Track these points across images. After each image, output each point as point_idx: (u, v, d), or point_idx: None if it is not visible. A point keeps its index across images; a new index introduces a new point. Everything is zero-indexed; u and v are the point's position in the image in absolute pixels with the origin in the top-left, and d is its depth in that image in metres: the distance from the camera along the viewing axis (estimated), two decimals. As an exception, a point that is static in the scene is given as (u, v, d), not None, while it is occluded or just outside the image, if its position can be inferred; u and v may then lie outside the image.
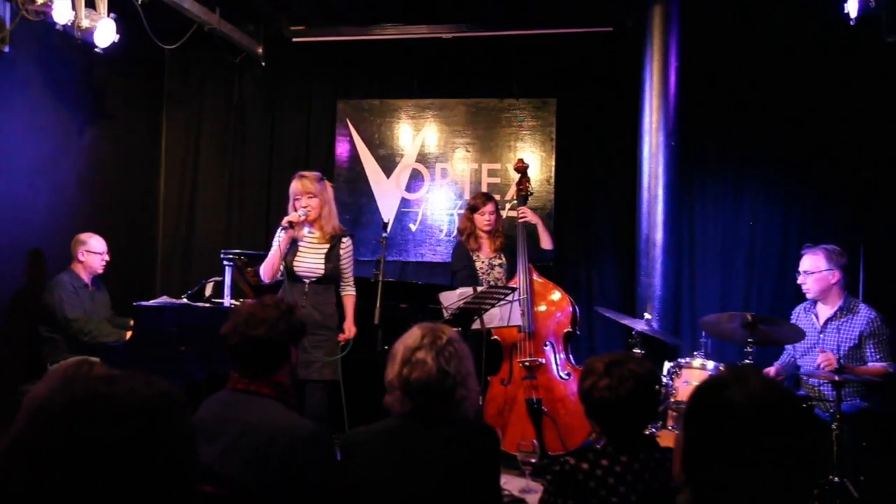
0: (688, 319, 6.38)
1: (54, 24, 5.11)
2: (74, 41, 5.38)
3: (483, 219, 5.63)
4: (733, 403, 1.59)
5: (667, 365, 4.94)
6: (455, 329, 2.72)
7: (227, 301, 5.36)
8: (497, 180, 6.96)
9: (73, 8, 5.19)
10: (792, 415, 1.61)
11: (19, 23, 5.11)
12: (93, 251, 5.72)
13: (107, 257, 5.82)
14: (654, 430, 4.57)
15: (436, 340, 2.55)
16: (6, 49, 5.22)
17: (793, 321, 5.09)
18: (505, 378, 5.38)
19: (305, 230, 4.87)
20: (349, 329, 4.94)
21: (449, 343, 2.56)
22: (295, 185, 4.87)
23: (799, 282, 5.03)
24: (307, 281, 4.83)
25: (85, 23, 5.31)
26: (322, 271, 4.84)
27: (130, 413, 1.19)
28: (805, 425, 1.64)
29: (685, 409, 1.69)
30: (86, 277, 5.72)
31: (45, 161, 5.94)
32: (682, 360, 4.89)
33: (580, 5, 6.49)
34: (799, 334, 4.82)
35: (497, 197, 6.19)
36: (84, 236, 5.76)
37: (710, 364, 4.76)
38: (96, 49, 5.49)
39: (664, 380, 4.79)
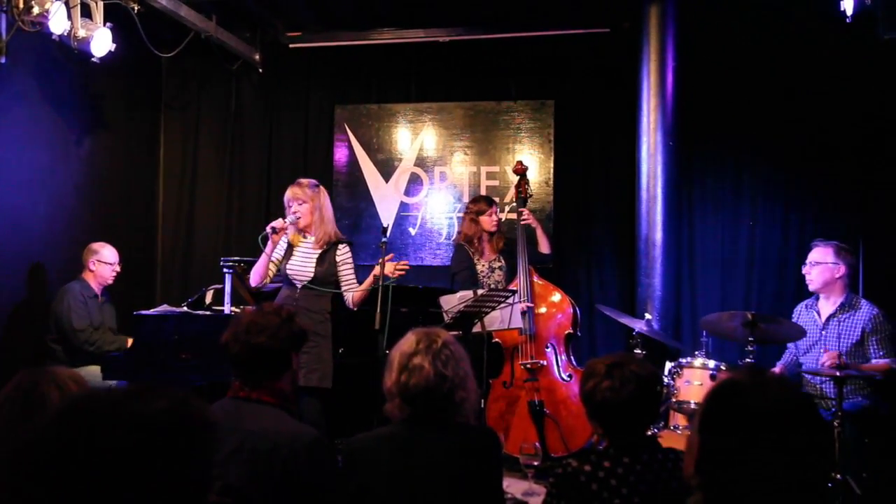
0: (688, 319, 6.36)
1: (50, 34, 5.11)
2: (71, 51, 5.39)
3: (490, 220, 5.67)
4: (753, 409, 1.57)
5: (668, 365, 4.94)
6: (452, 333, 2.72)
7: (227, 308, 5.35)
8: (496, 183, 6.96)
9: (69, 18, 5.19)
10: (809, 418, 1.61)
11: (15, 33, 5.09)
12: (104, 261, 5.71)
13: (118, 268, 5.80)
14: (655, 430, 4.57)
15: (431, 344, 2.56)
16: (2, 60, 5.20)
17: (794, 319, 5.08)
18: (507, 381, 5.38)
19: (302, 236, 4.87)
20: (385, 264, 4.74)
21: (444, 346, 2.56)
22: (287, 192, 4.89)
23: (804, 272, 5.03)
24: (298, 285, 4.83)
25: (81, 32, 5.33)
26: (312, 274, 4.80)
27: (146, 424, 1.19)
28: (821, 427, 1.63)
29: (701, 412, 1.67)
30: (96, 288, 5.71)
31: (42, 171, 5.93)
32: (684, 360, 4.88)
33: (577, 7, 6.48)
34: (799, 332, 4.82)
35: (496, 200, 6.18)
36: (96, 246, 5.75)
37: (711, 363, 4.75)
38: (93, 58, 5.50)
39: (665, 380, 4.79)
